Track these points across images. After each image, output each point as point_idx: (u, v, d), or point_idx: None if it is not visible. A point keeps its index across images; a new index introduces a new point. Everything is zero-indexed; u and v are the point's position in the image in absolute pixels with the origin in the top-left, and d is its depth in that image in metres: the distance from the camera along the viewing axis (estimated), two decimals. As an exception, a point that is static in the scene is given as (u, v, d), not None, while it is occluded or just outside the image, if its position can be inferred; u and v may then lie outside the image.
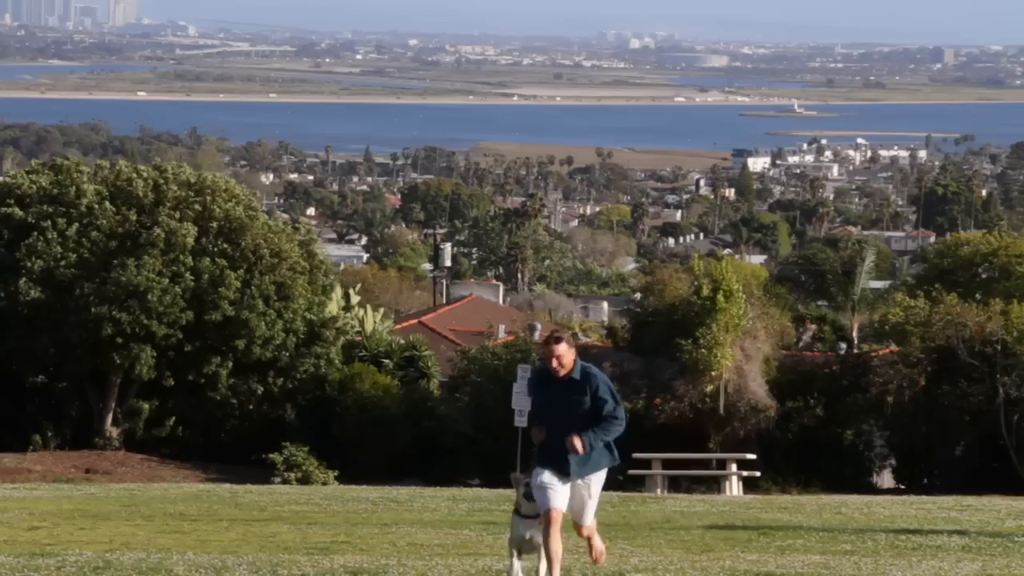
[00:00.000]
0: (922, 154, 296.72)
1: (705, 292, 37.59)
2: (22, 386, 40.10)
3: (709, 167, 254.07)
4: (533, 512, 11.72)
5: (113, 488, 28.22)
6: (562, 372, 11.84)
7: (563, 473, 11.79)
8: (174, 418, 40.12)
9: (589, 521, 12.15)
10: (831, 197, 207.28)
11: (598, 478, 12.06)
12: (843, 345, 45.83)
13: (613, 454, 12.02)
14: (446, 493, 25.95)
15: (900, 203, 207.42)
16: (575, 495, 11.96)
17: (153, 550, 15.12)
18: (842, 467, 37.71)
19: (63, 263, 38.12)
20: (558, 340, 11.89)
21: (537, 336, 45.50)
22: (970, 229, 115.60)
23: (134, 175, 39.67)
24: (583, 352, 40.37)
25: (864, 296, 52.70)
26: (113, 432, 39.58)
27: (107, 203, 38.86)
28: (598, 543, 12.39)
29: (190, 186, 39.65)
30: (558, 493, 11.80)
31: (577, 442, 11.71)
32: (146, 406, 40.04)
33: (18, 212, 38.75)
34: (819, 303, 56.04)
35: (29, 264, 37.85)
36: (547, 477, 11.81)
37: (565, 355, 11.85)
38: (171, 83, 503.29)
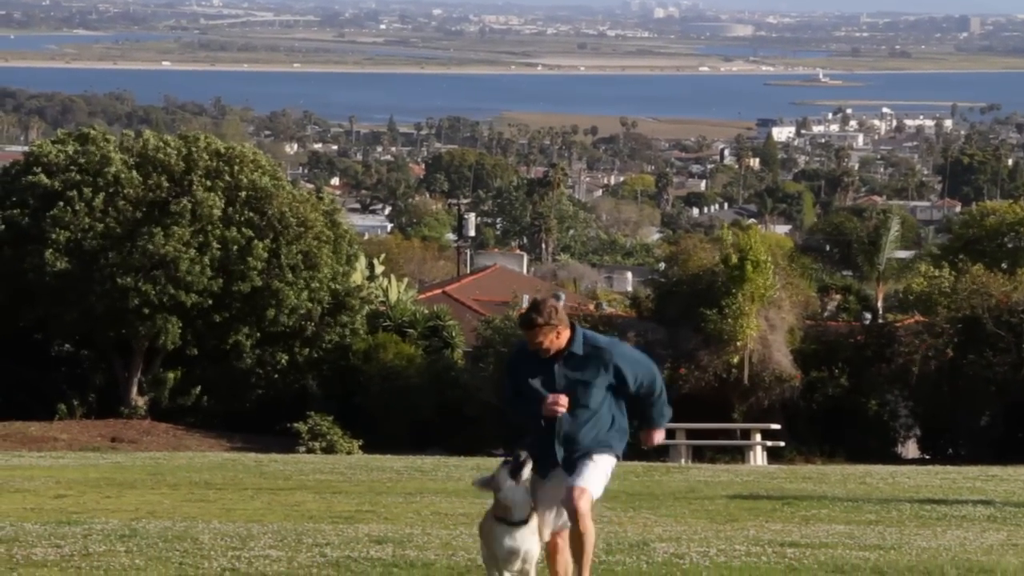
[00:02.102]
0: (948, 123, 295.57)
1: (732, 262, 37.53)
2: (48, 355, 40.26)
3: (733, 137, 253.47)
4: (525, 515, 8.92)
5: (139, 457, 28.33)
6: (547, 353, 9.22)
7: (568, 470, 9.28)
8: (199, 387, 40.25)
9: (589, 483, 9.24)
10: (856, 167, 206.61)
11: (602, 454, 9.47)
12: (868, 315, 45.74)
13: (623, 442, 9.60)
14: (470, 462, 26.00)
15: (926, 173, 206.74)
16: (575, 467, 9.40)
17: (179, 518, 15.18)
18: (867, 437, 37.67)
19: (90, 233, 38.20)
20: (531, 323, 9.12)
21: (562, 304, 45.48)
22: (996, 199, 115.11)
23: (161, 145, 39.74)
24: (607, 322, 40.56)
25: (889, 266, 52.52)
26: (139, 401, 39.72)
27: (134, 173, 38.93)
28: (588, 526, 9.19)
29: (219, 156, 39.74)
30: (553, 507, 9.25)
31: (660, 437, 9.73)
32: (171, 375, 40.18)
33: (44, 180, 38.82)
34: (844, 273, 55.92)
35: (55, 235, 37.94)
36: (541, 490, 9.20)
37: (543, 339, 9.16)
38: (195, 53, 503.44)
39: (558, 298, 45.26)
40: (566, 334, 9.20)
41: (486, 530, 8.93)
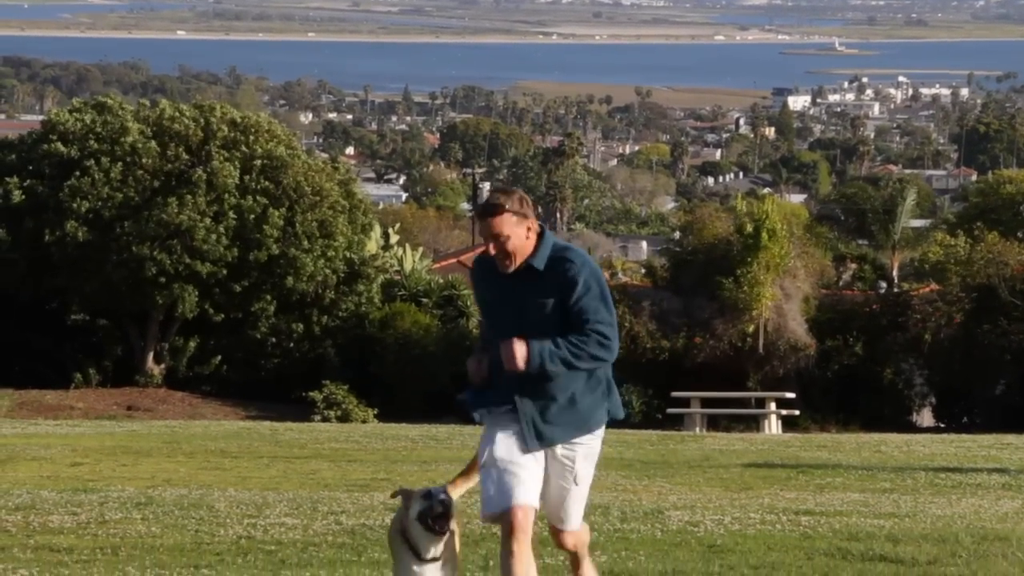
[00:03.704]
0: (964, 92, 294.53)
1: (747, 231, 37.50)
2: (64, 324, 40.36)
3: (749, 106, 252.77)
4: (435, 553, 7.11)
5: (154, 425, 28.42)
6: (511, 263, 7.06)
7: (528, 438, 7.11)
8: (217, 357, 40.33)
9: (575, 524, 7.33)
10: (872, 136, 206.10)
11: (589, 447, 7.25)
12: (883, 284, 45.72)
13: (613, 397, 7.29)
14: (485, 431, 25.98)
15: (941, 141, 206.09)
16: (551, 479, 7.18)
17: (194, 486, 15.23)
18: (881, 405, 37.68)
19: (108, 203, 38.25)
20: (494, 209, 6.99)
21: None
22: (1012, 167, 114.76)
23: (177, 115, 39.77)
24: (622, 291, 40.57)
25: (904, 235, 52.47)
26: (155, 370, 39.82)
27: (151, 142, 38.95)
28: (588, 568, 7.54)
29: (236, 126, 39.77)
30: (523, 476, 7.01)
31: (518, 348, 6.93)
32: (187, 344, 40.26)
33: (61, 148, 38.86)
34: (859, 242, 55.76)
35: (75, 206, 37.97)
36: (501, 448, 7.05)
37: (510, 233, 7.01)
38: (210, 22, 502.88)
39: None
40: (533, 241, 7.08)
41: (392, 542, 7.24)
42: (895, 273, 49.40)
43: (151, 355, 40.03)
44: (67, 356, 39.96)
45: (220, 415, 35.77)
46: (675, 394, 34.66)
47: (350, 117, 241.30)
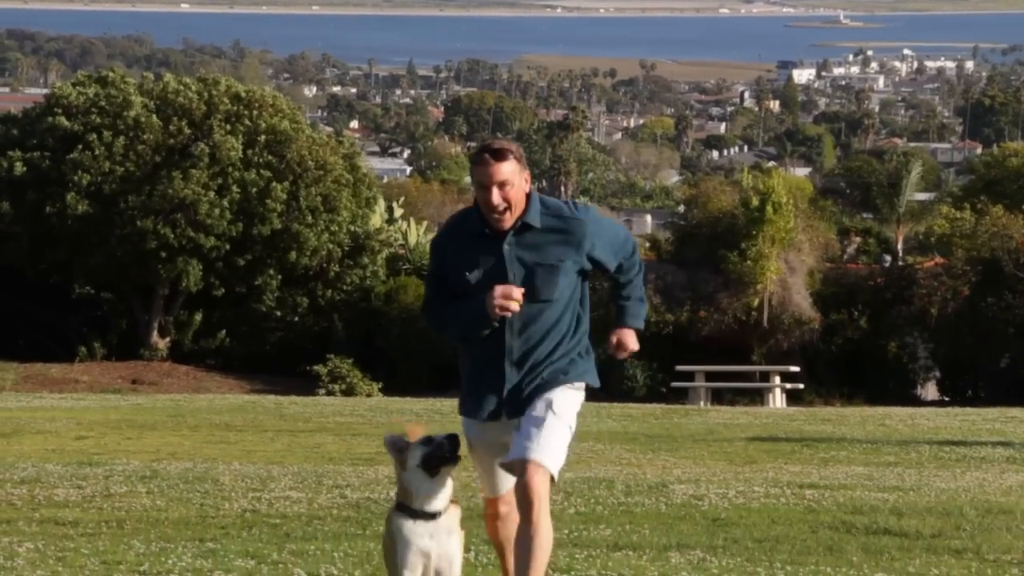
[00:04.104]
0: (969, 65, 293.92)
1: (753, 204, 37.46)
2: (69, 298, 40.39)
3: (753, 79, 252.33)
4: (436, 507, 6.53)
5: (159, 399, 28.46)
6: (506, 220, 6.46)
7: (514, 410, 6.61)
8: (221, 331, 40.35)
9: (546, 456, 6.45)
10: (877, 109, 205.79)
11: (567, 387, 6.71)
12: (888, 257, 45.68)
13: (591, 364, 6.90)
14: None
15: (946, 115, 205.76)
16: (525, 415, 6.61)
17: (199, 460, 15.25)
18: (886, 379, 37.68)
19: (110, 177, 38.24)
20: (499, 153, 6.45)
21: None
22: (1017, 140, 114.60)
23: (181, 88, 39.72)
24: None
25: (909, 208, 52.39)
26: (159, 343, 39.85)
27: (154, 116, 38.92)
28: (541, 520, 6.45)
29: (239, 100, 39.73)
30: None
31: (632, 343, 7.03)
32: (192, 317, 40.28)
33: (64, 122, 38.84)
34: (864, 215, 55.71)
35: (76, 178, 37.97)
36: (483, 433, 6.67)
37: (515, 181, 6.46)
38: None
39: None
40: (524, 196, 6.52)
41: (389, 523, 6.60)
42: (900, 246, 49.34)
43: (156, 329, 40.06)
44: (72, 329, 40.00)
45: (225, 389, 35.81)
46: (679, 368, 34.66)
47: (354, 91, 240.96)
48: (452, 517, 6.57)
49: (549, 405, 6.54)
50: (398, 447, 6.61)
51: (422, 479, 6.52)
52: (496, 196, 6.39)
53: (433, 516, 6.50)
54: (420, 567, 6.48)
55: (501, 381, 6.60)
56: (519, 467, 6.42)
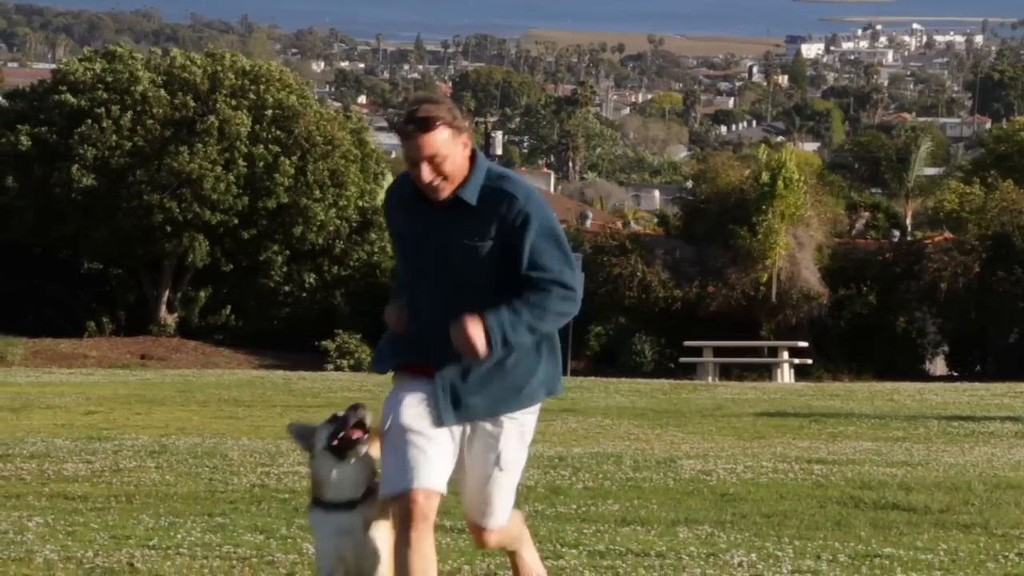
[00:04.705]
0: (978, 39, 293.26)
1: (764, 179, 37.42)
2: (77, 273, 40.43)
3: (762, 54, 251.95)
4: (348, 494, 5.76)
5: (168, 374, 28.50)
6: (442, 191, 5.60)
7: (441, 408, 5.68)
8: (229, 305, 40.40)
9: (499, 520, 5.85)
10: (885, 83, 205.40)
11: (521, 424, 5.81)
12: (896, 232, 45.62)
13: (556, 366, 5.84)
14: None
15: (956, 89, 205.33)
16: (469, 460, 5.76)
17: (208, 435, 15.27)
18: (894, 354, 37.67)
19: (117, 151, 38.25)
20: (426, 123, 5.52)
21: (588, 224, 45.42)
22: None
23: (188, 63, 39.71)
24: (634, 240, 40.57)
25: (918, 183, 52.32)
26: (168, 319, 39.90)
27: (161, 91, 38.92)
28: (530, 564, 6.11)
29: (245, 74, 39.71)
30: (430, 453, 5.61)
31: (474, 331, 5.53)
32: (200, 293, 40.33)
33: (71, 99, 38.84)
34: (873, 190, 55.65)
35: (82, 151, 38.00)
36: (409, 414, 5.68)
37: (447, 152, 5.54)
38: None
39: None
40: (465, 164, 5.62)
41: (309, 515, 5.95)
42: (908, 222, 49.29)
43: (164, 304, 40.11)
44: (81, 305, 40.06)
45: (233, 364, 35.85)
46: (688, 343, 34.67)
47: (362, 66, 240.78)
48: (374, 505, 5.74)
49: (497, 460, 5.75)
50: (303, 434, 5.90)
51: (331, 463, 5.77)
52: (427, 172, 5.52)
53: (349, 506, 5.71)
54: (338, 566, 5.72)
55: (449, 387, 5.70)
56: (472, 526, 5.91)
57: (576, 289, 5.64)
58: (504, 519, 5.86)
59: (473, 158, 5.63)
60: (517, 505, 6.08)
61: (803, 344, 35.34)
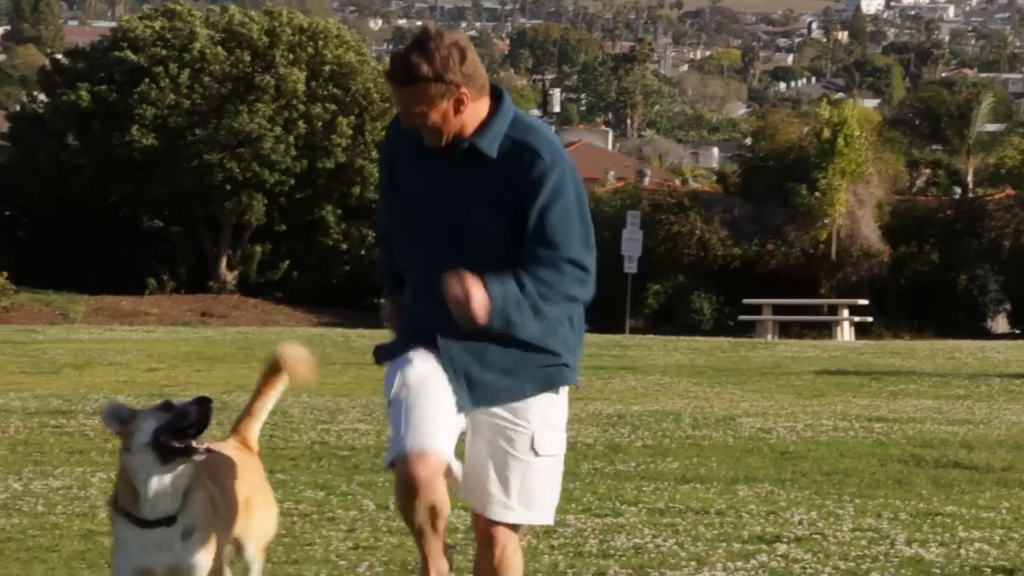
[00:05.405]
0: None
1: (824, 136, 37.19)
2: (138, 231, 40.66)
3: (821, 9, 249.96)
4: (167, 507, 4.62)
5: (228, 331, 28.63)
6: (430, 141, 4.74)
7: (458, 393, 4.81)
8: (287, 263, 40.55)
9: (503, 514, 4.80)
10: (946, 39, 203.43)
11: (550, 405, 4.85)
12: (958, 189, 45.24)
13: (573, 352, 4.91)
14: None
15: (1018, 44, 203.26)
16: (477, 449, 4.85)
17: (268, 392, 15.33)
18: (956, 312, 37.42)
19: (176, 110, 38.39)
20: (405, 77, 4.65)
21: (647, 182, 45.27)
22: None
23: (246, 19, 39.79)
24: (692, 198, 40.46)
25: (980, 140, 51.77)
26: (227, 276, 40.09)
27: (219, 48, 39.00)
28: (508, 560, 4.84)
29: (303, 31, 39.76)
30: (438, 414, 4.77)
31: (476, 291, 4.63)
32: (258, 249, 40.48)
33: (131, 56, 38.98)
34: (933, 147, 55.21)
35: (142, 111, 38.15)
36: (417, 372, 4.82)
37: (428, 110, 4.67)
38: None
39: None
40: (479, 108, 4.77)
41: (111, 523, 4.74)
42: (970, 178, 48.85)
43: (224, 262, 40.30)
44: (141, 262, 40.30)
45: (293, 321, 36.00)
46: (747, 301, 34.54)
47: (419, 23, 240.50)
48: (194, 511, 4.63)
49: (531, 442, 4.79)
50: (120, 416, 4.65)
51: (152, 466, 4.56)
52: (409, 120, 4.73)
53: (167, 522, 4.57)
54: None
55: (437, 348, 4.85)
56: (482, 525, 4.82)
57: (591, 272, 4.90)
58: (540, 514, 4.82)
59: (497, 103, 4.79)
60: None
61: (863, 302, 35.15)
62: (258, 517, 5.00)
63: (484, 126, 4.75)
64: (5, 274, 35.70)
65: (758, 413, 13.30)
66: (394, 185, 4.86)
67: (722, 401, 14.91)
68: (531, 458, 4.78)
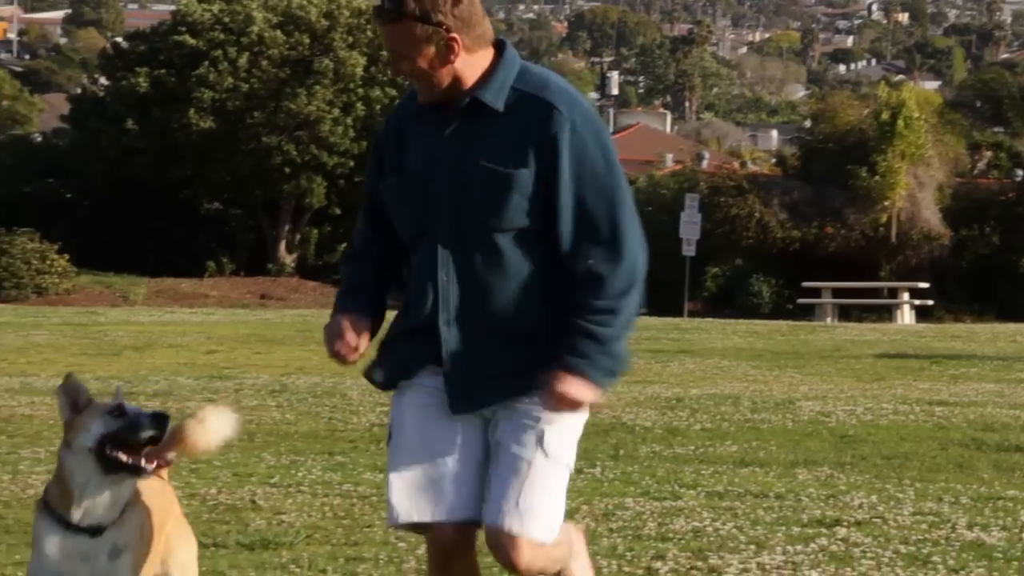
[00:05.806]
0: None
1: (884, 119, 36.97)
2: (197, 213, 40.88)
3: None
4: (101, 517, 4.15)
5: (287, 314, 28.75)
6: (420, 93, 4.18)
7: (462, 399, 4.29)
8: (345, 245, 40.68)
9: (533, 527, 4.16)
10: (1008, 20, 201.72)
11: (564, 417, 4.19)
12: (1020, 172, 44.87)
13: (620, 339, 4.18)
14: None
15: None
16: (495, 444, 4.24)
17: (327, 375, 15.39)
18: (1018, 295, 37.14)
19: (234, 93, 38.55)
20: (387, 13, 4.08)
21: (705, 164, 45.14)
22: None
23: (304, 2, 39.89)
24: (752, 181, 40.29)
25: (1042, 122, 51.40)
26: (286, 259, 40.25)
27: (277, 32, 39.13)
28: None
29: (361, 14, 39.82)
30: (450, 472, 4.28)
31: (575, 391, 4.09)
32: (317, 233, 40.61)
33: (190, 40, 39.16)
34: (995, 129, 54.80)
35: (200, 95, 38.32)
36: (411, 417, 4.62)
37: (409, 52, 4.07)
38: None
39: None
40: (478, 59, 4.13)
41: (34, 524, 4.27)
42: (1032, 161, 48.47)
43: (283, 245, 40.46)
44: (200, 245, 40.52)
45: (351, 304, 36.08)
46: (806, 284, 34.40)
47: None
48: (128, 530, 4.21)
49: (540, 442, 4.18)
50: (76, 396, 4.21)
51: (91, 472, 4.13)
52: (395, 68, 4.19)
53: (94, 532, 4.14)
54: None
55: (436, 346, 4.36)
56: (493, 536, 4.19)
57: (642, 264, 4.27)
58: (543, 530, 4.19)
59: (499, 54, 4.16)
60: (570, 516, 4.82)
61: (924, 285, 34.95)
62: (183, 553, 4.46)
63: (486, 77, 4.11)
64: (67, 256, 35.98)
65: (817, 397, 13.25)
66: (400, 169, 4.22)
67: (781, 385, 14.86)
68: (538, 457, 4.16)
